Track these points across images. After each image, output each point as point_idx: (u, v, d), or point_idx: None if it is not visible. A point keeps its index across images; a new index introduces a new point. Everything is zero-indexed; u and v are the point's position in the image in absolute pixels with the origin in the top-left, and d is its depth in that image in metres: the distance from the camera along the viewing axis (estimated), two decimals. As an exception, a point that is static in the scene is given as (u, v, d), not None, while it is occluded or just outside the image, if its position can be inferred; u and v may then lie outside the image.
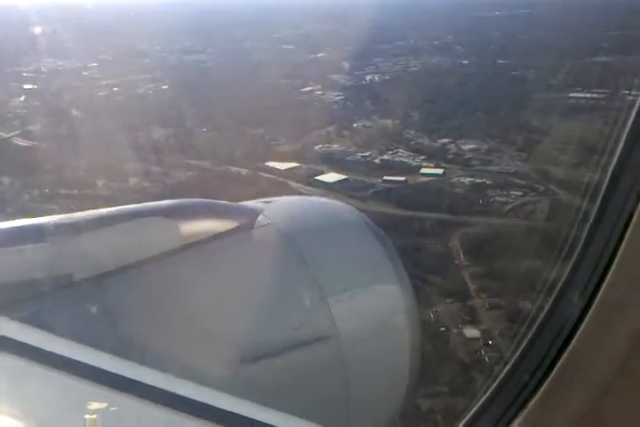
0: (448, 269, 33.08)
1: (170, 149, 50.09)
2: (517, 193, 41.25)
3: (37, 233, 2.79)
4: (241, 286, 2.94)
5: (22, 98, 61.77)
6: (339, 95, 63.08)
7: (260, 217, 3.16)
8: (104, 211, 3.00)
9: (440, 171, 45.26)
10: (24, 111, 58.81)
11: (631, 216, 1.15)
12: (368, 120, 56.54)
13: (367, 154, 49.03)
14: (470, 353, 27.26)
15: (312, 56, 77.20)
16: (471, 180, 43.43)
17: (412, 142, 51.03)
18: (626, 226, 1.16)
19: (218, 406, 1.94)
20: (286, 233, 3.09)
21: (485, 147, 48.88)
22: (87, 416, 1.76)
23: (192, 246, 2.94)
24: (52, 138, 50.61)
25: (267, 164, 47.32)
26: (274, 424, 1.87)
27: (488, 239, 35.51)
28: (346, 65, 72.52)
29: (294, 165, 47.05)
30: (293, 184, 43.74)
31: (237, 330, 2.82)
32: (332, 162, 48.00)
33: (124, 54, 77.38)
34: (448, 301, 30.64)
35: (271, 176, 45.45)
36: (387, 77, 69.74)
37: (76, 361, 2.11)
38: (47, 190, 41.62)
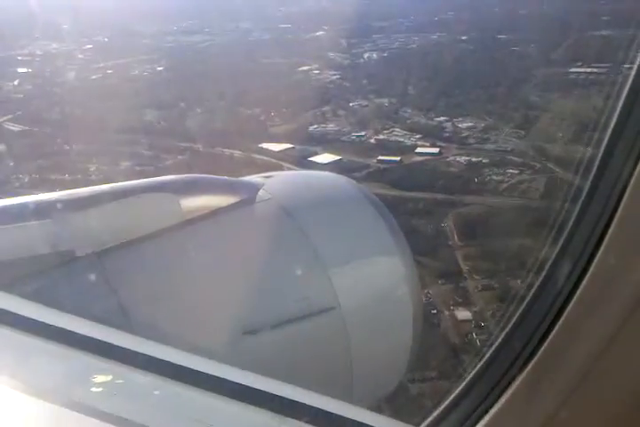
0: (441, 249, 32.54)
1: (163, 131, 49.59)
2: (513, 171, 40.51)
3: (39, 209, 2.77)
4: (243, 261, 2.94)
5: (16, 82, 61.12)
6: (335, 74, 62.12)
7: (261, 192, 3.15)
8: (106, 187, 3.00)
9: (436, 150, 44.51)
10: (18, 96, 58.24)
11: (624, 189, 1.13)
12: (364, 99, 55.66)
13: (362, 134, 48.28)
14: (461, 336, 26.81)
15: (310, 35, 75.95)
16: (467, 158, 42.69)
17: (409, 121, 50.22)
18: (619, 200, 1.13)
19: (222, 377, 1.93)
20: (287, 207, 3.09)
21: (482, 125, 48.02)
22: (93, 389, 1.78)
23: (193, 222, 2.94)
24: (45, 122, 50.15)
25: (261, 145, 46.67)
26: (278, 394, 1.85)
27: (482, 219, 34.93)
28: (344, 43, 71.34)
29: (288, 146, 46.40)
30: (287, 166, 43.09)
31: (240, 303, 2.82)
32: (327, 142, 47.30)
33: (120, 36, 76.28)
34: (440, 282, 30.13)
35: (264, 158, 44.85)
36: (385, 55, 68.64)
37: (81, 335, 2.12)
38: (37, 176, 41.10)
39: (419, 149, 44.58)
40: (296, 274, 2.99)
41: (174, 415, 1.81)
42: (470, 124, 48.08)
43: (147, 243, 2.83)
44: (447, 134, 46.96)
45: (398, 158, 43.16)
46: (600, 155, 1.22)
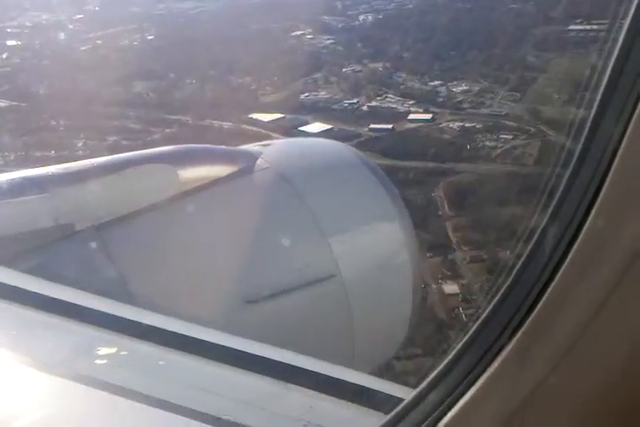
0: (431, 221, 31.73)
1: (151, 103, 48.59)
2: (507, 136, 39.38)
3: (37, 184, 2.76)
4: (242, 230, 2.95)
5: (4, 55, 59.90)
6: (329, 39, 60.43)
7: (259, 161, 3.17)
8: (103, 159, 3.02)
9: (429, 116, 43.30)
10: (6, 69, 57.11)
11: (615, 152, 1.12)
12: (358, 64, 54.17)
13: (354, 101, 47.05)
14: (448, 311, 26.25)
15: (304, -3, 73.74)
16: (460, 124, 41.52)
17: (402, 86, 48.85)
18: (609, 164, 1.12)
19: (225, 345, 1.96)
20: (285, 175, 3.10)
21: (477, 88, 46.64)
22: (97, 361, 1.83)
23: (192, 192, 2.94)
24: (32, 97, 49.18)
25: (251, 116, 45.58)
26: (280, 361, 1.87)
27: (474, 188, 34.05)
28: (339, 5, 69.29)
29: (279, 116, 45.33)
30: (277, 136, 42.11)
31: (241, 272, 2.83)
32: (318, 111, 46.16)
33: (111, 4, 74.36)
34: (428, 255, 29.43)
35: (254, 129, 43.87)
36: (380, 17, 66.46)
37: (83, 308, 2.13)
38: (23, 153, 40.36)
39: (411, 116, 43.40)
40: (296, 242, 3.03)
41: (179, 385, 1.81)
42: (465, 87, 46.70)
43: (146, 215, 2.83)
44: (441, 99, 45.63)
45: (390, 126, 42.05)
46: (591, 116, 1.17)
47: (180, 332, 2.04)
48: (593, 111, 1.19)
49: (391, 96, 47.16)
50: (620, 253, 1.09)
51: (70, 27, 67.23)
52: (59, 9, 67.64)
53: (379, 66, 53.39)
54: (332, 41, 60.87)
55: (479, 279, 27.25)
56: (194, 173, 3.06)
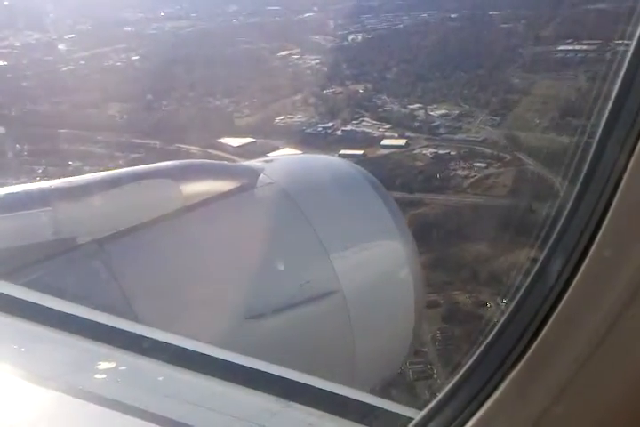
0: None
1: (122, 127, 46.70)
2: (481, 165, 36.88)
3: (39, 198, 2.72)
4: (245, 246, 2.92)
5: (-14, 77, 58.51)
6: (315, 59, 58.52)
7: (262, 176, 3.18)
8: (106, 174, 2.99)
9: (402, 142, 40.92)
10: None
11: (619, 180, 1.07)
12: (340, 85, 52.11)
13: (329, 125, 44.81)
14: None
15: (298, 17, 72.07)
16: (434, 151, 39.08)
17: (380, 109, 46.60)
18: (613, 192, 1.08)
19: (226, 362, 1.93)
20: (288, 191, 3.11)
21: (457, 112, 44.26)
22: (96, 376, 1.80)
23: (195, 207, 2.93)
24: (2, 120, 47.49)
25: (220, 140, 43.41)
26: (281, 379, 1.83)
27: (440, 222, 31.54)
28: (331, 24, 67.50)
29: (249, 140, 43.20)
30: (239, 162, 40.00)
31: (243, 288, 2.78)
32: (291, 135, 43.95)
33: (103, 24, 73.09)
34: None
35: (221, 154, 41.68)
36: (370, 37, 64.69)
37: (84, 323, 2.09)
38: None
39: (385, 142, 41.05)
40: (298, 258, 3.02)
41: (178, 401, 1.76)
42: (444, 111, 44.33)
43: (148, 229, 2.80)
44: (418, 124, 43.26)
45: (361, 152, 39.66)
46: (594, 144, 1.13)
47: (180, 348, 1.99)
48: (596, 138, 1.11)
49: (367, 120, 44.90)
50: (625, 283, 1.04)
51: (59, 47, 66.00)
52: (52, 28, 66.59)
53: (360, 87, 51.24)
54: (317, 61, 58.97)
55: (432, 328, 24.65)
56: (196, 189, 2.99)
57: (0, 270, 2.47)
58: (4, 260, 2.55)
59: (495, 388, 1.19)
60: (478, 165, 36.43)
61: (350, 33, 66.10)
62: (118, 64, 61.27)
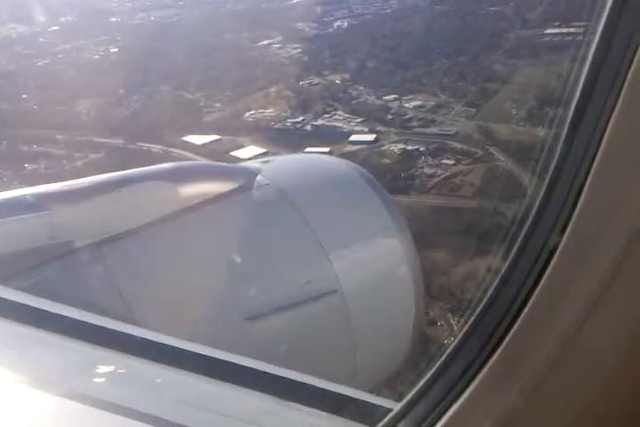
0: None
1: (87, 125, 44.60)
2: (449, 162, 34.41)
3: (37, 202, 2.68)
4: (243, 247, 2.86)
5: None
6: (297, 48, 56.06)
7: (259, 177, 3.11)
8: (103, 177, 2.93)
9: (372, 137, 38.47)
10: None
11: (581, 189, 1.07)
12: (318, 76, 49.66)
13: (299, 120, 42.43)
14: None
15: (286, 3, 69.44)
16: (403, 147, 36.63)
17: (354, 102, 44.09)
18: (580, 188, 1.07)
19: (225, 364, 1.91)
20: (285, 192, 3.04)
21: (433, 103, 41.66)
22: (95, 379, 1.78)
23: (192, 209, 2.86)
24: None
25: (185, 138, 41.23)
26: (280, 379, 1.82)
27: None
28: (318, 10, 64.79)
29: (214, 138, 40.97)
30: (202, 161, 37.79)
31: (242, 289, 2.75)
32: (259, 132, 41.69)
33: (89, 15, 70.89)
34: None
35: (183, 153, 39.58)
36: (355, 23, 61.93)
37: (82, 326, 2.07)
38: None
39: (353, 137, 38.64)
40: (296, 258, 2.94)
41: (177, 403, 1.75)
42: (419, 102, 41.75)
43: (145, 232, 2.73)
44: (390, 116, 40.75)
45: (328, 149, 37.27)
46: (562, 139, 1.11)
47: (178, 350, 1.95)
48: (562, 134, 1.08)
49: (340, 113, 42.47)
50: (594, 282, 1.03)
51: (40, 40, 64.06)
52: (36, 20, 64.63)
53: (337, 78, 48.73)
54: (299, 50, 56.49)
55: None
56: (193, 190, 2.94)
57: None
58: (1, 264, 2.46)
59: (469, 383, 1.16)
60: (446, 162, 33.96)
61: (337, 19, 63.40)
62: (96, 57, 59.17)
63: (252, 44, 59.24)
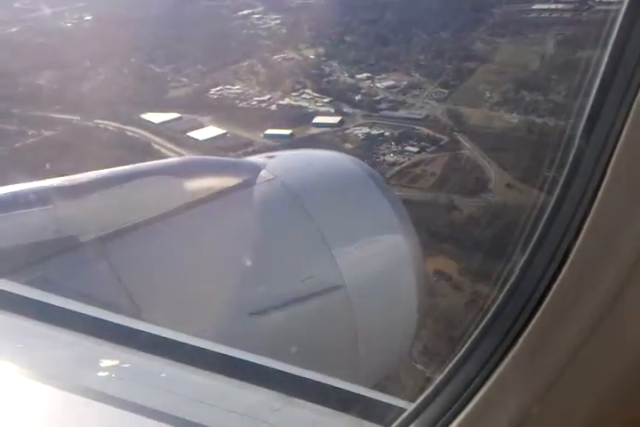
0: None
1: (47, 98, 42.18)
2: (413, 149, 32.18)
3: (41, 196, 2.67)
4: (247, 242, 2.87)
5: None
6: (277, 19, 53.25)
7: (264, 172, 3.07)
8: (107, 171, 2.92)
9: (336, 119, 36.17)
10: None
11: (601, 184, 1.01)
12: (293, 50, 47.07)
13: (265, 98, 40.03)
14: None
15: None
16: (367, 131, 34.41)
17: (325, 80, 41.61)
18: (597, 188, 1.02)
19: (228, 359, 1.92)
20: (290, 187, 3.02)
21: (405, 82, 39.21)
22: (100, 374, 1.78)
23: (196, 204, 2.84)
24: None
25: (142, 116, 38.85)
26: (283, 375, 1.82)
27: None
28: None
29: (174, 116, 38.64)
30: (158, 142, 35.50)
31: (246, 284, 2.75)
32: (222, 110, 39.34)
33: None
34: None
35: (140, 132, 37.34)
36: (341, -8, 58.64)
37: (87, 320, 2.09)
38: None
39: (317, 119, 36.33)
40: (300, 254, 2.91)
41: (181, 397, 1.76)
42: (392, 82, 39.25)
43: (150, 227, 2.72)
44: (359, 97, 38.28)
45: (289, 132, 35.01)
46: (577, 139, 1.03)
47: (182, 345, 1.95)
48: (580, 126, 1.00)
49: (309, 91, 40.04)
50: (609, 284, 1.01)
51: (16, 5, 61.23)
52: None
53: (312, 52, 46.08)
54: (278, 21, 53.59)
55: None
56: (198, 185, 2.88)
57: (3, 269, 2.40)
58: (6, 258, 2.45)
59: (483, 384, 1.15)
60: (410, 149, 31.70)
61: (322, -13, 60.24)
62: (68, 25, 56.29)
63: (232, 14, 56.27)
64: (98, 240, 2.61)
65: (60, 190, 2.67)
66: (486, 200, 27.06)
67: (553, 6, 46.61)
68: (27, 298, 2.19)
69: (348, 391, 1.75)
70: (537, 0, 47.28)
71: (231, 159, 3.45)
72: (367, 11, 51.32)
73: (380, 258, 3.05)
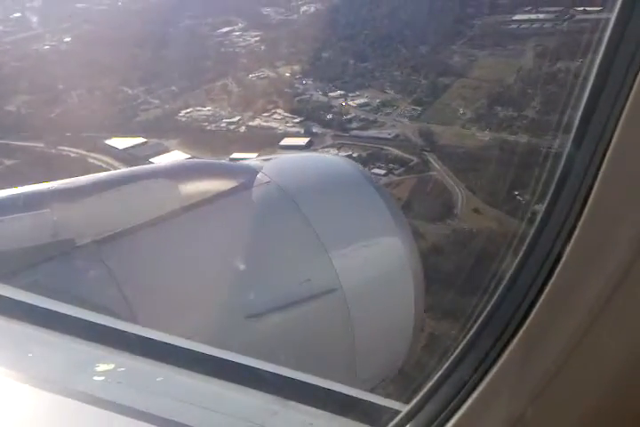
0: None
1: (13, 124, 40.82)
2: (380, 171, 30.43)
3: (38, 199, 2.66)
4: (243, 245, 2.85)
5: None
6: (257, 35, 51.93)
7: (260, 175, 3.07)
8: (104, 175, 2.92)
9: (304, 141, 34.56)
10: None
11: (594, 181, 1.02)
12: (270, 68, 45.57)
13: (235, 120, 38.45)
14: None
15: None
16: (335, 153, 32.54)
17: (297, 98, 39.97)
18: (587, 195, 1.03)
19: (225, 362, 1.91)
20: (286, 190, 3.02)
21: (378, 100, 37.44)
22: (96, 378, 1.76)
23: (193, 207, 2.84)
24: None
25: (107, 141, 37.29)
26: (279, 378, 1.81)
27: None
28: (287, -6, 60.21)
29: (139, 141, 37.04)
30: (120, 169, 33.86)
31: (242, 288, 2.74)
32: (189, 134, 37.82)
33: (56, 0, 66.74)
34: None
35: (103, 158, 35.78)
36: (322, 8, 57.33)
37: (83, 324, 2.07)
38: None
39: (284, 141, 34.72)
40: (297, 257, 2.91)
41: (178, 401, 1.75)
42: (365, 100, 37.59)
43: (146, 230, 2.71)
44: (331, 116, 36.59)
45: (255, 156, 33.22)
46: (564, 158, 1.04)
47: (178, 349, 1.93)
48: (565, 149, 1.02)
49: (280, 111, 38.45)
50: (600, 287, 1.02)
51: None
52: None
53: (288, 70, 44.55)
54: (257, 38, 52.25)
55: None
56: (194, 188, 2.88)
57: None
58: (2, 262, 2.40)
59: (477, 385, 1.15)
60: (377, 171, 29.91)
61: (304, 4, 58.84)
62: (46, 47, 55.15)
63: (212, 32, 55.01)
64: (94, 244, 2.57)
65: (57, 194, 2.65)
66: (451, 227, 25.31)
67: (534, 17, 44.98)
68: (22, 302, 2.16)
69: (345, 394, 1.72)
70: (518, 11, 45.70)
71: (227, 162, 3.35)
72: (348, 26, 49.90)
73: (377, 260, 3.01)
